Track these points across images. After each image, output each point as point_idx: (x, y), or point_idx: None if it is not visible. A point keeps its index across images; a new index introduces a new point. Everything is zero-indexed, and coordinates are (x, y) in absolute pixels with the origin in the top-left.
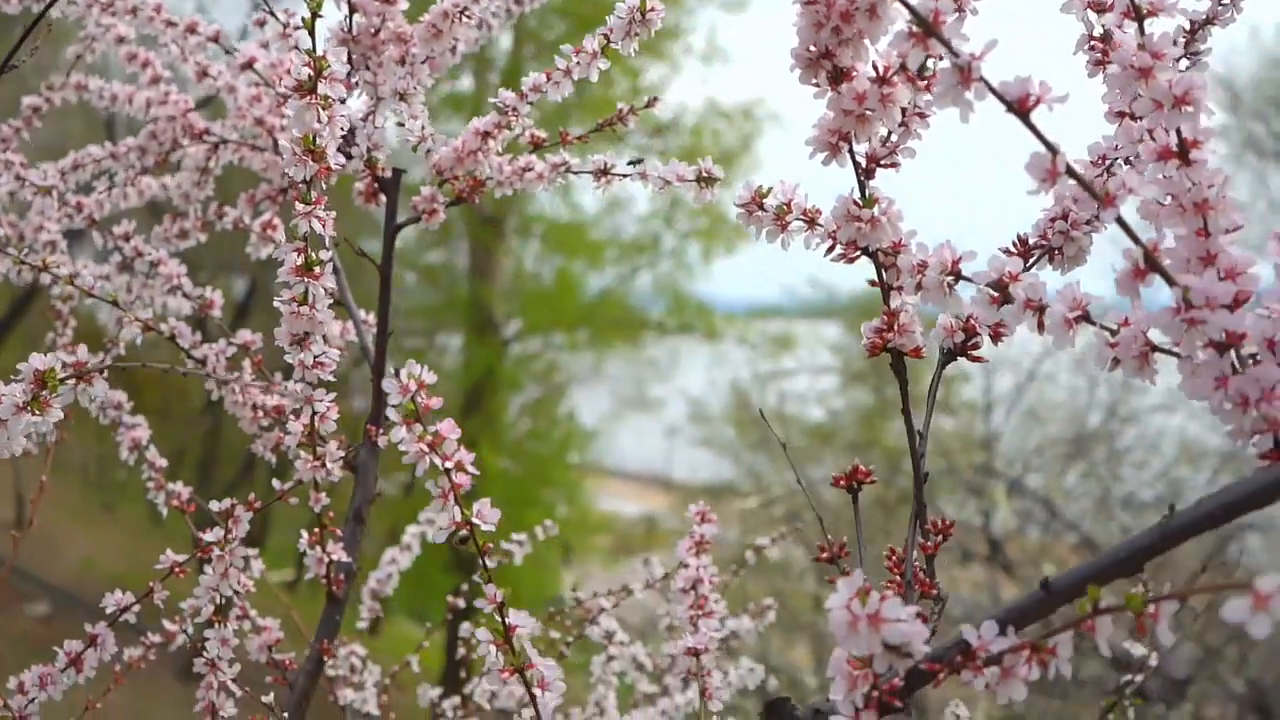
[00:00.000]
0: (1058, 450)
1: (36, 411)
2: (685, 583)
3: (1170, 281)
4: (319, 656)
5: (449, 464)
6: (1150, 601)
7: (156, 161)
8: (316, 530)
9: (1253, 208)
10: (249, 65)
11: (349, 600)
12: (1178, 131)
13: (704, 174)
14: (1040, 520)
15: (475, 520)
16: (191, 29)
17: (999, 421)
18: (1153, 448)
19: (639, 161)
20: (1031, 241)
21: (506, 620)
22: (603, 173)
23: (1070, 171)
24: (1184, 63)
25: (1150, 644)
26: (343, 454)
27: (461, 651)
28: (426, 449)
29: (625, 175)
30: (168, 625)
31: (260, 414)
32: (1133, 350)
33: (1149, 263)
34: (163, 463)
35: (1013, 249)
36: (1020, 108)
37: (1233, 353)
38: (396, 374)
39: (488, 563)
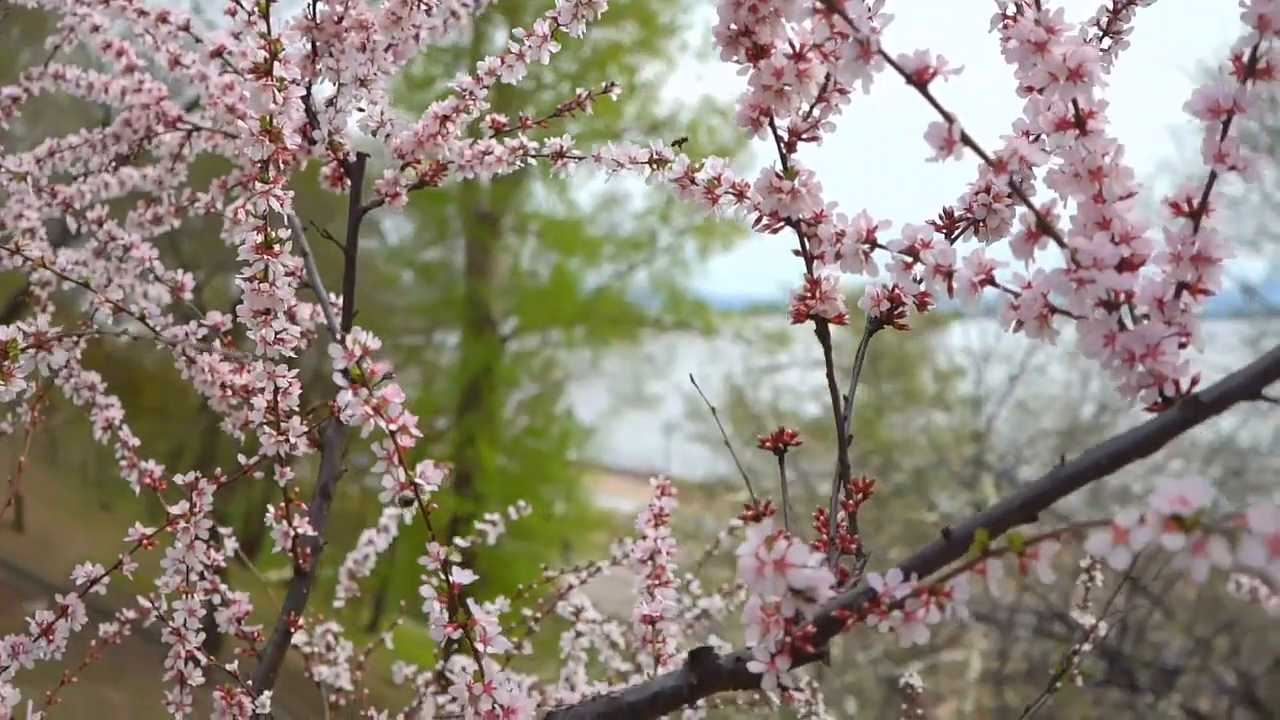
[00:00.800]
0: (1049, 443)
1: None
2: (643, 554)
3: (1060, 243)
4: (286, 629)
5: (394, 427)
6: (1029, 543)
7: (131, 148)
8: (282, 505)
9: (1246, 201)
10: (218, 53)
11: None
12: (1074, 102)
13: (655, 156)
14: None
15: (419, 481)
16: (163, 18)
17: (992, 414)
18: None
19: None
20: (956, 214)
21: (450, 578)
22: (559, 155)
23: (965, 139)
24: (1106, 41)
25: (1098, 614)
26: (306, 429)
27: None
28: (372, 412)
29: (579, 158)
30: (142, 601)
31: (228, 393)
32: (1033, 311)
33: (1041, 226)
34: (135, 441)
35: (938, 222)
36: (919, 79)
37: (1126, 311)
38: (342, 340)
39: (430, 522)
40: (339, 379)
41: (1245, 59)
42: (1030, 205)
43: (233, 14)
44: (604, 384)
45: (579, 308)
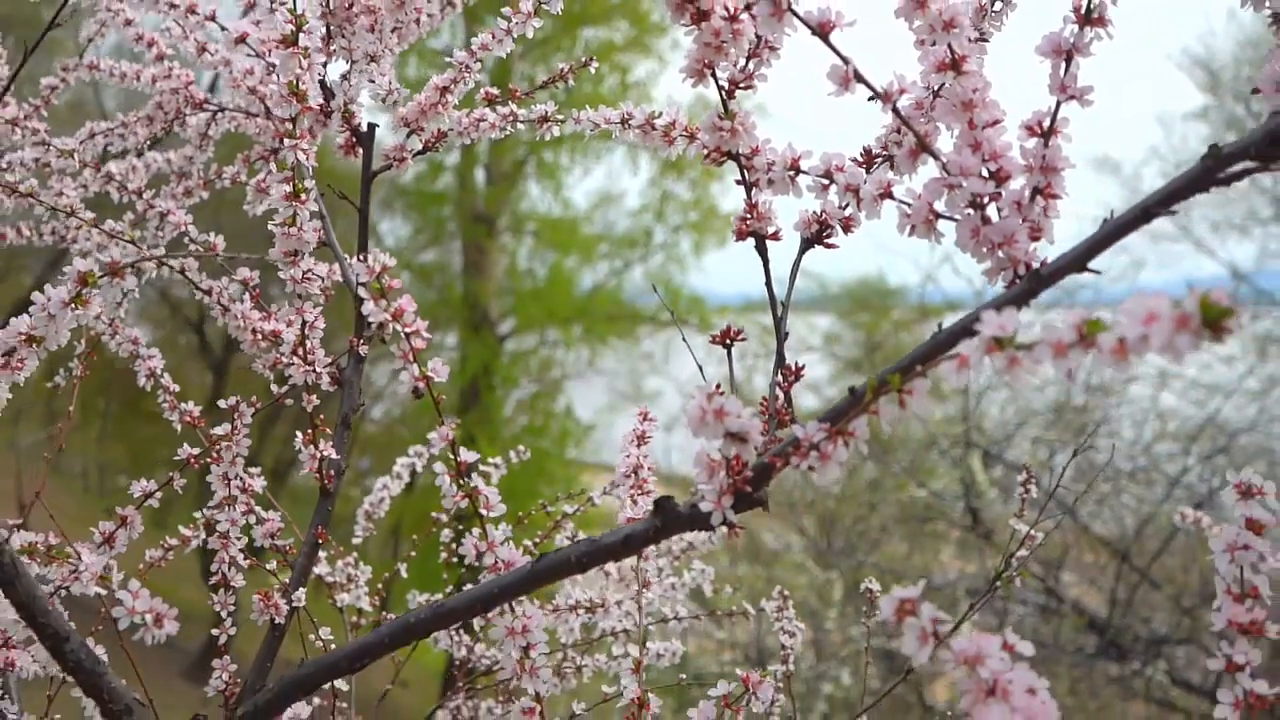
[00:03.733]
0: (1038, 420)
1: (79, 306)
2: (626, 468)
3: (935, 157)
4: (315, 540)
5: (409, 330)
6: (907, 379)
7: (163, 128)
8: (310, 430)
9: (1234, 187)
10: (242, 40)
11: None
12: (950, 48)
13: (626, 116)
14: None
15: (430, 374)
16: (191, 9)
17: (979, 393)
18: (1141, 423)
19: None
20: (875, 151)
21: (459, 457)
22: (544, 120)
23: (858, 77)
24: (998, 4)
25: (1030, 520)
26: (330, 360)
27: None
28: (391, 318)
29: (561, 121)
30: (184, 531)
31: (258, 337)
32: (921, 215)
33: (920, 145)
34: (175, 387)
35: (859, 158)
36: (822, 31)
37: (994, 210)
38: (365, 259)
39: (439, 408)
40: (363, 292)
41: (1083, 10)
42: (913, 130)
43: (252, 7)
44: (602, 381)
45: (576, 306)
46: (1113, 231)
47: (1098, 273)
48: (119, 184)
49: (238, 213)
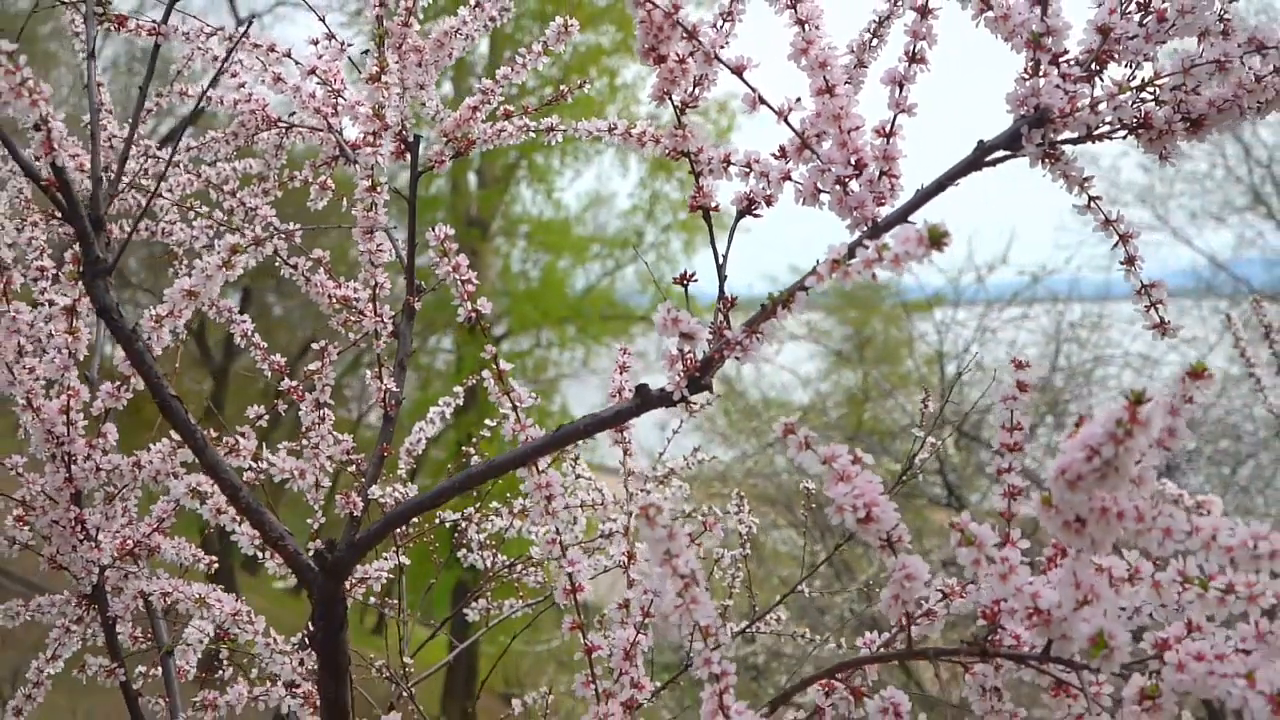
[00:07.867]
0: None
1: (228, 268)
2: (612, 391)
3: (814, 152)
4: (380, 455)
5: (464, 278)
6: (792, 293)
7: (246, 142)
8: (376, 369)
9: (1211, 176)
10: (313, 71)
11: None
12: (824, 78)
13: (611, 126)
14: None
15: (479, 308)
16: (271, 48)
17: (953, 376)
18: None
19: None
20: (787, 149)
21: (500, 367)
22: (551, 129)
23: (762, 100)
24: (875, 40)
25: (930, 433)
26: (393, 314)
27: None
28: (452, 270)
29: (564, 130)
30: (268, 457)
31: (333, 301)
32: (808, 190)
33: (803, 143)
34: (264, 344)
35: (778, 153)
36: (738, 70)
37: (855, 185)
38: (432, 228)
39: (487, 333)
40: (432, 252)
41: (911, 52)
42: (799, 134)
43: (315, 43)
44: (598, 381)
45: (569, 306)
46: (919, 199)
47: (914, 223)
48: (216, 185)
49: (296, 208)
